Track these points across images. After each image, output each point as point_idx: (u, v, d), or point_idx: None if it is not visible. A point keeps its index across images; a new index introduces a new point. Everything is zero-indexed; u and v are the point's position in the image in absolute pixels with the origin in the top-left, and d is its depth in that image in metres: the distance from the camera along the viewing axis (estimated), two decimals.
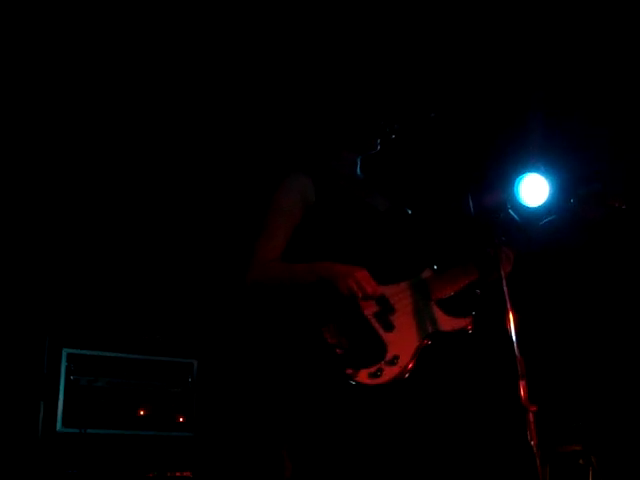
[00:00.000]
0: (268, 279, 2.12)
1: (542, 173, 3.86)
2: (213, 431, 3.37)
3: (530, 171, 3.86)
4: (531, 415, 1.77)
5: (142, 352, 3.31)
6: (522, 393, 1.80)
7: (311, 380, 2.00)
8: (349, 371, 1.96)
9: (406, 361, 2.02)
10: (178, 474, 3.14)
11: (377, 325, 2.05)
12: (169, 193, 3.30)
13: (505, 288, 1.93)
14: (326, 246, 2.17)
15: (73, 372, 3.13)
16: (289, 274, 2.12)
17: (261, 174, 3.23)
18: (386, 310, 2.09)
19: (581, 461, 3.34)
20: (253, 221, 2.22)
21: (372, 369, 1.98)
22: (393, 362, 2.01)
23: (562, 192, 3.73)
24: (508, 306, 1.91)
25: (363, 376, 1.96)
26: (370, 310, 2.06)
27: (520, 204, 3.83)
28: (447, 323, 2.13)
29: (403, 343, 2.04)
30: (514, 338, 1.86)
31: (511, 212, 2.23)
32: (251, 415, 3.18)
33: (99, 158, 3.07)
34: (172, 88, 2.93)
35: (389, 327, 2.06)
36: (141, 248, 3.34)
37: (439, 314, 2.14)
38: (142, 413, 3.27)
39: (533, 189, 3.82)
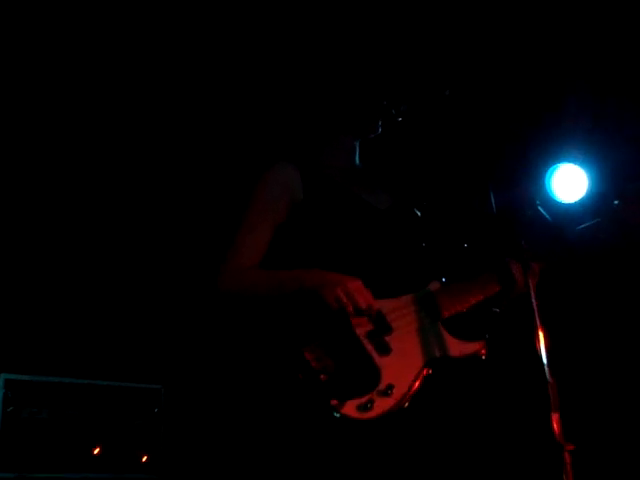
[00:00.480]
0: (243, 288, 2.12)
1: (580, 164, 3.82)
2: (182, 473, 3.32)
3: (565, 161, 3.82)
4: (567, 455, 1.77)
5: (96, 377, 3.26)
6: (555, 428, 1.78)
7: (288, 412, 2.00)
8: (334, 402, 1.95)
9: (403, 392, 2.00)
10: None
11: (370, 347, 2.03)
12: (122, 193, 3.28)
13: (534, 301, 1.92)
14: (314, 251, 2.17)
15: (11, 401, 3.08)
16: (268, 282, 2.11)
17: (238, 165, 3.24)
18: (382, 329, 2.07)
19: None
20: (227, 221, 2.23)
21: (362, 400, 1.96)
22: (387, 393, 1.99)
23: (604, 188, 3.71)
24: (537, 322, 1.90)
25: (350, 408, 1.95)
26: (363, 328, 2.05)
27: (552, 200, 3.80)
28: (456, 347, 2.12)
29: (400, 370, 2.03)
30: (545, 361, 1.85)
31: (541, 210, 2.22)
32: (225, 452, 3.13)
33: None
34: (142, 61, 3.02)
35: (384, 350, 2.04)
36: (94, 255, 3.35)
37: (446, 336, 2.12)
38: (96, 452, 3.21)
39: (569, 182, 3.79)
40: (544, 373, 1.84)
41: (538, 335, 1.89)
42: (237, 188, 2.32)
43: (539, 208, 2.22)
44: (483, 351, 2.12)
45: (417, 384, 2.03)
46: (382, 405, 1.97)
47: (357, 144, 2.39)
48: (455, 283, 2.23)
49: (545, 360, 1.86)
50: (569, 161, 3.81)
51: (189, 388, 3.28)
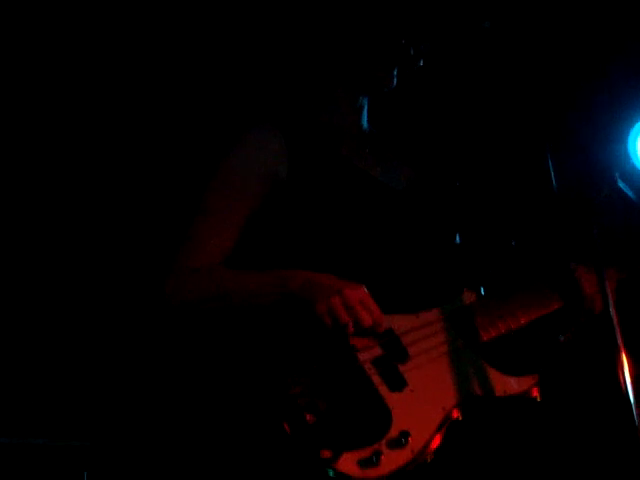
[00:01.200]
0: (199, 292, 2.10)
1: None
2: None
3: None
4: None
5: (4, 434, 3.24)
6: None
7: (264, 466, 1.99)
8: (326, 453, 1.93)
9: (422, 442, 1.99)
10: None
11: (377, 379, 2.02)
12: None
13: (614, 317, 1.89)
14: (302, 248, 2.17)
15: None
16: (235, 286, 2.10)
17: (195, 127, 3.15)
18: (395, 355, 2.07)
19: None
20: (180, 207, 2.28)
21: (365, 452, 1.94)
22: (400, 442, 1.97)
23: None
24: (620, 346, 1.87)
25: (349, 463, 1.93)
26: (368, 354, 2.04)
27: (638, 172, 3.68)
28: (499, 383, 2.11)
29: (419, 412, 2.02)
30: (632, 398, 1.83)
31: (622, 186, 2.19)
32: None
33: None
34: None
35: (397, 384, 2.04)
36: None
37: (485, 367, 2.13)
38: None
39: None
40: (631, 416, 1.82)
41: (621, 363, 1.85)
42: (194, 159, 2.27)
43: (619, 184, 2.20)
44: (536, 390, 2.11)
45: (442, 432, 2.02)
46: (393, 460, 1.95)
47: (365, 101, 2.39)
48: (498, 295, 2.23)
49: (632, 397, 1.83)
50: None
51: (126, 444, 3.23)
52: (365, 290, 2.02)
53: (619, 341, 1.86)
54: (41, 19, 2.94)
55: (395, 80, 2.31)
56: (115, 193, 3.35)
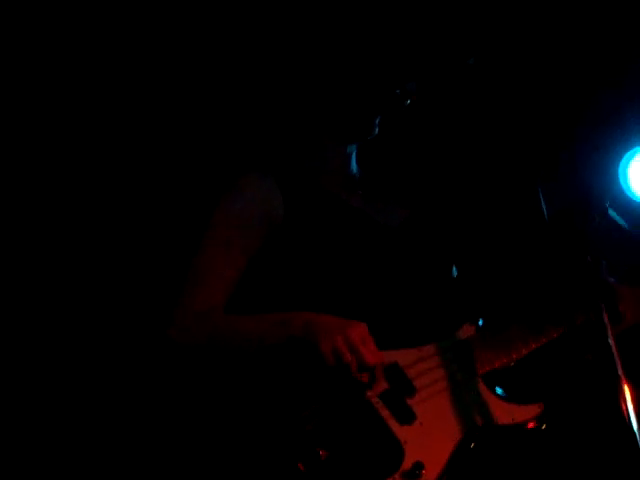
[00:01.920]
0: (204, 337, 2.10)
1: None
2: None
3: None
4: None
5: None
6: None
7: None
8: None
9: (437, 473, 2.00)
10: None
11: (386, 413, 2.03)
12: None
13: (612, 344, 1.87)
14: (301, 288, 2.17)
15: None
16: (239, 330, 2.10)
17: (194, 175, 3.14)
18: (402, 389, 2.07)
19: None
20: (180, 253, 2.24)
21: None
22: (415, 474, 1.98)
23: None
24: (620, 374, 1.85)
25: None
26: (375, 389, 2.04)
27: (628, 200, 3.68)
28: (504, 412, 2.12)
29: (430, 443, 2.03)
30: (636, 428, 1.81)
31: (613, 213, 2.25)
32: None
33: None
34: None
35: (407, 417, 2.04)
36: None
37: (489, 397, 2.13)
38: None
39: None
40: (636, 445, 1.80)
41: (623, 394, 1.83)
42: (192, 209, 2.31)
43: (610, 211, 2.21)
44: (538, 419, 2.11)
45: (455, 462, 2.02)
46: None
47: (353, 147, 2.40)
48: (497, 326, 2.23)
49: (636, 427, 1.81)
50: None
51: None
52: (366, 328, 2.01)
53: (620, 371, 1.83)
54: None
55: (377, 129, 2.32)
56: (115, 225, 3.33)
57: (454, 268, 2.33)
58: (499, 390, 2.15)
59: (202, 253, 2.18)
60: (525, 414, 2.11)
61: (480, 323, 2.22)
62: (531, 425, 2.11)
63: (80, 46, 3.01)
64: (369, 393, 2.03)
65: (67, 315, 3.14)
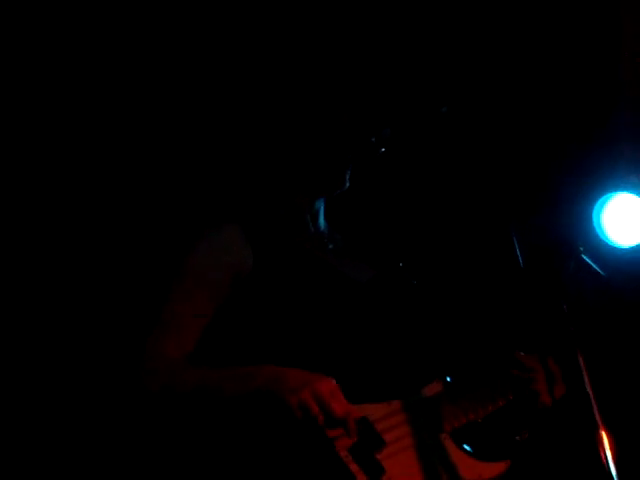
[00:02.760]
0: (169, 385, 2.07)
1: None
2: None
3: (620, 189, 3.67)
4: None
5: None
6: None
7: None
8: None
9: None
10: None
11: (354, 467, 2.00)
12: None
13: (591, 393, 1.86)
14: (268, 341, 2.16)
15: None
16: (205, 381, 2.07)
17: (160, 225, 3.11)
18: (370, 442, 2.05)
19: None
20: (144, 305, 2.21)
21: None
22: None
23: None
24: (599, 422, 1.83)
25: None
26: (344, 442, 2.01)
27: (604, 244, 3.66)
28: (470, 469, 2.12)
29: None
30: (614, 474, 1.79)
31: (586, 259, 2.19)
32: None
33: None
34: None
35: (376, 472, 2.02)
36: None
37: (456, 454, 2.13)
38: None
39: (625, 219, 3.64)
40: None
41: (602, 442, 1.81)
42: (157, 262, 2.26)
43: (583, 256, 2.20)
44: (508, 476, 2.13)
45: None
46: None
47: (321, 202, 2.40)
48: (464, 383, 2.23)
49: (615, 475, 1.79)
50: (625, 190, 3.64)
51: None
52: (334, 382, 2.00)
53: (598, 419, 1.83)
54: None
55: (347, 183, 2.31)
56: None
57: (420, 325, 2.33)
58: (466, 447, 2.14)
59: (170, 300, 2.16)
60: (492, 471, 2.12)
61: (448, 379, 2.22)
62: None
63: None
64: (338, 447, 2.00)
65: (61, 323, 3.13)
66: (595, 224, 3.58)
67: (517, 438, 2.25)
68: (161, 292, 2.19)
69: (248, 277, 2.17)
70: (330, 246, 2.36)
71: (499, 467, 2.14)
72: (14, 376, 3.09)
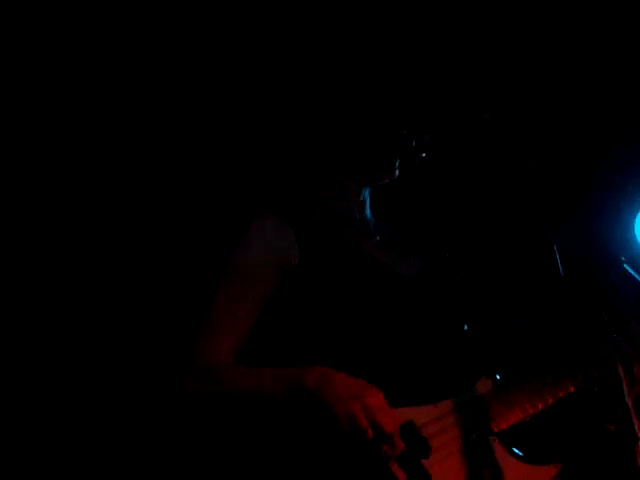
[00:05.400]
0: (219, 391, 2.07)
1: None
2: None
3: None
4: None
5: None
6: None
7: None
8: None
9: None
10: None
11: (403, 476, 1.97)
12: None
13: (630, 404, 1.82)
14: (312, 340, 2.13)
15: None
16: (250, 382, 2.06)
17: (206, 220, 3.10)
18: (417, 449, 2.01)
19: None
20: (191, 303, 2.21)
21: None
22: None
23: None
24: (638, 434, 1.80)
25: None
26: (390, 450, 1.97)
27: None
28: (518, 473, 2.07)
29: None
30: None
31: (629, 269, 2.16)
32: None
33: None
34: None
35: (422, 478, 1.98)
36: None
37: (504, 457, 2.08)
38: None
39: None
40: None
41: None
42: (203, 256, 2.28)
43: (625, 266, 2.17)
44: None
45: None
46: None
47: (367, 193, 2.38)
48: (514, 380, 2.19)
49: None
50: None
51: None
52: (382, 397, 1.96)
53: (637, 430, 1.79)
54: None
55: (397, 172, 2.29)
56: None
57: (467, 323, 2.29)
58: (515, 450, 2.10)
59: (215, 303, 2.15)
60: (541, 475, 2.08)
61: (497, 377, 2.18)
62: None
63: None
64: (385, 455, 1.96)
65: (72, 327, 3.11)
66: (637, 234, 3.57)
67: (607, 427, 2.21)
68: (209, 290, 2.18)
69: (293, 273, 2.15)
70: (377, 237, 2.33)
71: (550, 471, 2.10)
72: (26, 373, 3.11)
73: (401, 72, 2.36)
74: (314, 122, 2.32)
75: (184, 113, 3.14)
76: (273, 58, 3.07)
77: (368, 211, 2.36)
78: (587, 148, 3.37)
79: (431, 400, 2.08)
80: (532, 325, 2.86)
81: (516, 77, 3.27)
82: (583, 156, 3.41)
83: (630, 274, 2.16)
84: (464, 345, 2.24)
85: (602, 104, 3.38)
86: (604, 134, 3.40)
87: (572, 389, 2.19)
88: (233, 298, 2.15)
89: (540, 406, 2.15)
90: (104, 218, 3.14)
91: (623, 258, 2.16)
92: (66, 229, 3.12)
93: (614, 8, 3.21)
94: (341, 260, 2.19)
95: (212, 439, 2.17)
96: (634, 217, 3.44)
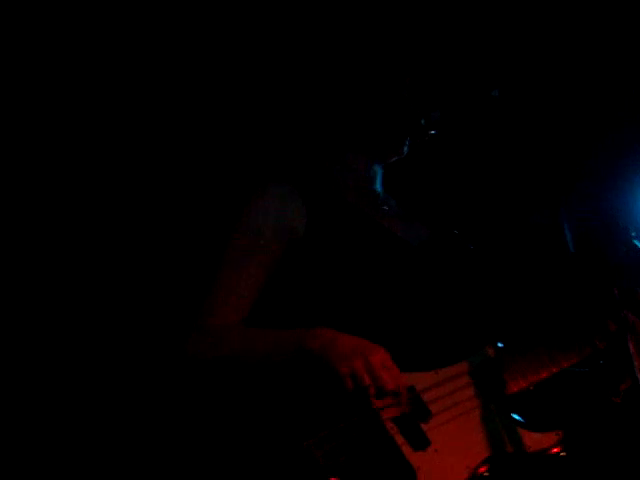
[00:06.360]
0: (221, 352, 2.07)
1: None
2: None
3: None
4: None
5: None
6: None
7: None
8: None
9: None
10: None
11: (400, 439, 1.97)
12: None
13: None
14: (320, 304, 2.13)
15: None
16: (256, 343, 2.07)
17: (214, 184, 3.11)
18: (417, 413, 2.02)
19: None
20: (198, 267, 2.20)
21: None
22: None
23: None
24: None
25: None
26: (390, 413, 1.99)
27: None
28: (519, 439, 2.06)
29: (444, 471, 1.98)
30: None
31: (638, 245, 2.13)
32: None
33: None
34: None
35: (421, 443, 1.99)
36: None
37: (505, 424, 2.08)
38: None
39: None
40: None
41: None
42: (211, 219, 2.23)
43: (635, 242, 2.13)
44: (558, 447, 2.06)
45: None
46: None
47: (378, 168, 2.36)
48: (516, 350, 2.18)
49: None
50: None
51: None
52: (385, 352, 1.98)
53: None
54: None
55: (406, 148, 2.29)
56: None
57: (472, 290, 2.29)
58: (516, 416, 2.09)
59: (222, 268, 2.15)
60: (542, 442, 2.07)
61: (499, 345, 2.18)
62: (548, 453, 2.05)
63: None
64: (384, 417, 1.98)
65: (75, 317, 3.10)
66: None
67: (613, 399, 2.17)
68: (216, 254, 2.17)
69: (300, 239, 2.14)
70: (385, 208, 2.32)
71: (550, 438, 2.08)
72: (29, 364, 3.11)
73: (410, 52, 2.35)
74: (325, 101, 2.30)
75: (190, 84, 3.12)
76: (284, 32, 3.05)
77: (378, 185, 2.35)
78: (597, 122, 3.35)
79: (433, 367, 2.08)
80: (540, 298, 2.86)
81: (524, 54, 3.25)
82: (594, 134, 3.39)
83: None
84: (469, 313, 2.24)
85: (615, 77, 3.36)
86: (616, 107, 3.38)
87: (576, 360, 2.19)
88: (239, 262, 2.13)
89: (544, 375, 2.15)
90: (109, 183, 3.16)
91: (634, 234, 2.15)
92: (63, 201, 3.11)
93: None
94: (349, 227, 2.18)
95: (214, 397, 2.16)
96: None
